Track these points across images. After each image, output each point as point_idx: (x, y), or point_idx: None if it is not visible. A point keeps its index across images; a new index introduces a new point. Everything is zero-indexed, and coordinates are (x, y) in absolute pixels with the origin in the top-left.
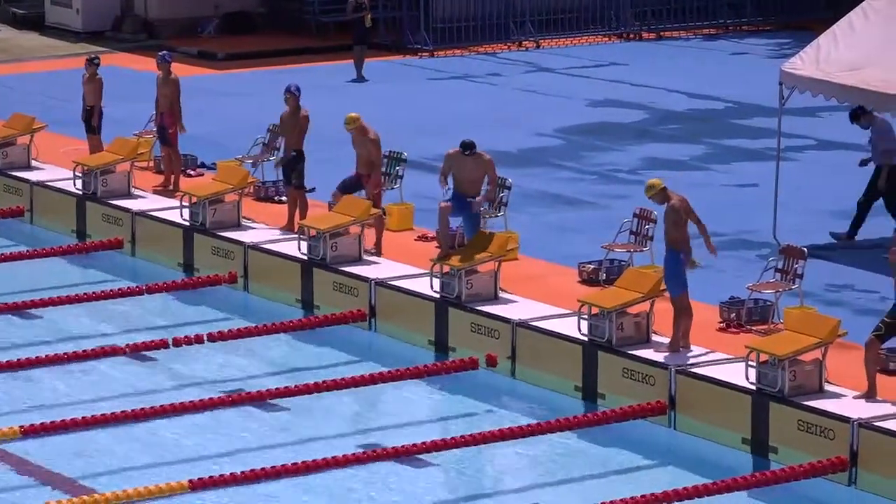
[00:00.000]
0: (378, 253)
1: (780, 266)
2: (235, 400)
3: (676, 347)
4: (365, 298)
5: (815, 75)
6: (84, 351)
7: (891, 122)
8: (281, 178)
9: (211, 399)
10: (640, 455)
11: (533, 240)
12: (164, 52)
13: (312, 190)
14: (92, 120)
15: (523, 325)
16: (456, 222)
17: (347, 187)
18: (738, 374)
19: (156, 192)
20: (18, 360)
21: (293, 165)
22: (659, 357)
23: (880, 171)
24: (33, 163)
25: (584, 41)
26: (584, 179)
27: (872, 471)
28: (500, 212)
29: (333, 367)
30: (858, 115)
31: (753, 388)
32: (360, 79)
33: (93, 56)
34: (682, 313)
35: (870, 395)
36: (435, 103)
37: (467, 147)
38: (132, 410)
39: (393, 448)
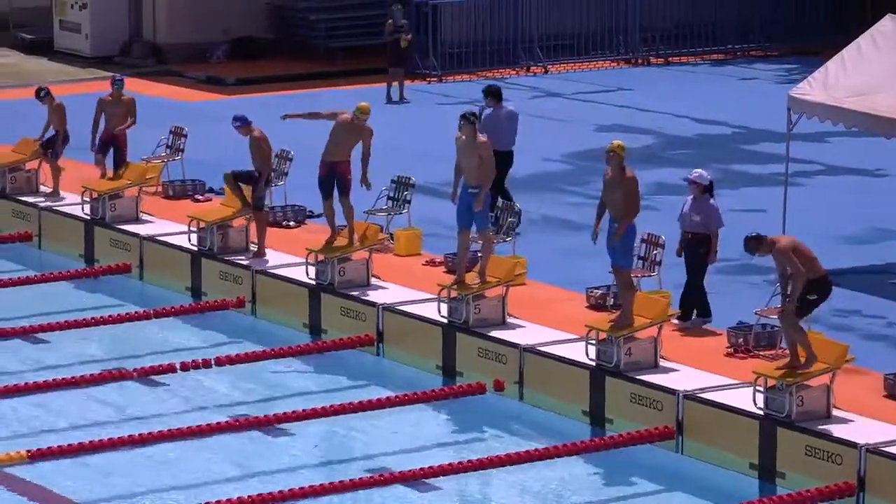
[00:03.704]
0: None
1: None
2: (243, 424)
3: (631, 320)
4: (373, 323)
5: (824, 101)
6: (92, 375)
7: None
8: (290, 203)
9: (219, 423)
10: (647, 480)
11: (541, 265)
12: (120, 77)
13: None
14: (56, 146)
15: (531, 350)
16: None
17: (329, 190)
18: (746, 400)
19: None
20: (26, 384)
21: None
22: (667, 382)
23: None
24: (41, 188)
25: (592, 66)
26: (591, 204)
27: (880, 496)
28: (507, 236)
29: (341, 391)
30: (491, 93)
31: (761, 413)
32: (397, 100)
33: (39, 89)
34: (630, 287)
35: (809, 360)
36: (443, 128)
37: (467, 115)
38: (140, 435)
39: (400, 472)
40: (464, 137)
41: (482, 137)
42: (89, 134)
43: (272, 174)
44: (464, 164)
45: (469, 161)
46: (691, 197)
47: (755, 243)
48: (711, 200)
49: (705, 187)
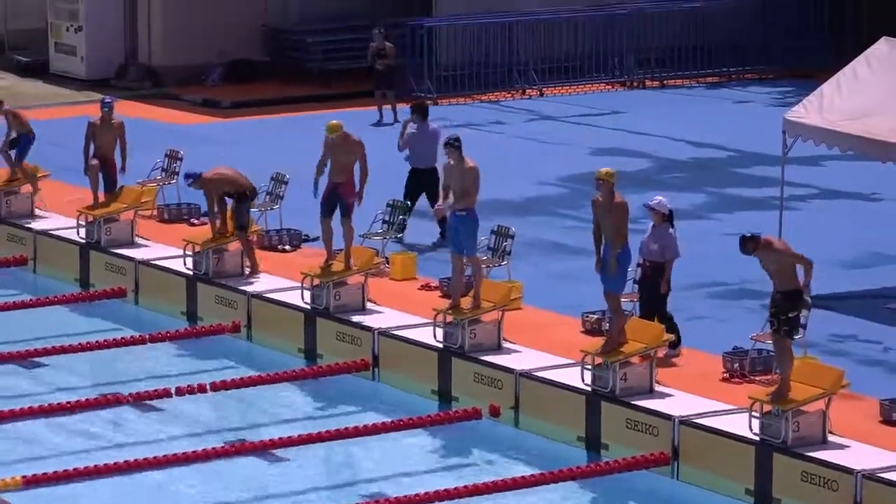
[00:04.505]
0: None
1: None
2: (239, 449)
3: (623, 340)
4: (368, 348)
5: (819, 124)
6: (87, 400)
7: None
8: (285, 227)
9: (214, 448)
10: None
11: (536, 289)
12: (109, 99)
13: (315, 239)
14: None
15: (526, 375)
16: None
17: (330, 209)
18: (742, 425)
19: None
20: (21, 409)
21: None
22: (662, 407)
23: (416, 171)
24: (37, 211)
25: (587, 89)
26: (586, 228)
27: None
28: (503, 261)
29: (336, 416)
30: (418, 110)
31: (757, 438)
32: (390, 122)
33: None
34: (620, 311)
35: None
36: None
37: (449, 139)
38: (135, 460)
39: (396, 498)
40: (452, 163)
41: (470, 162)
42: (86, 157)
43: (254, 191)
44: (453, 188)
45: (458, 184)
46: (651, 224)
47: (752, 243)
48: (671, 230)
49: (664, 216)
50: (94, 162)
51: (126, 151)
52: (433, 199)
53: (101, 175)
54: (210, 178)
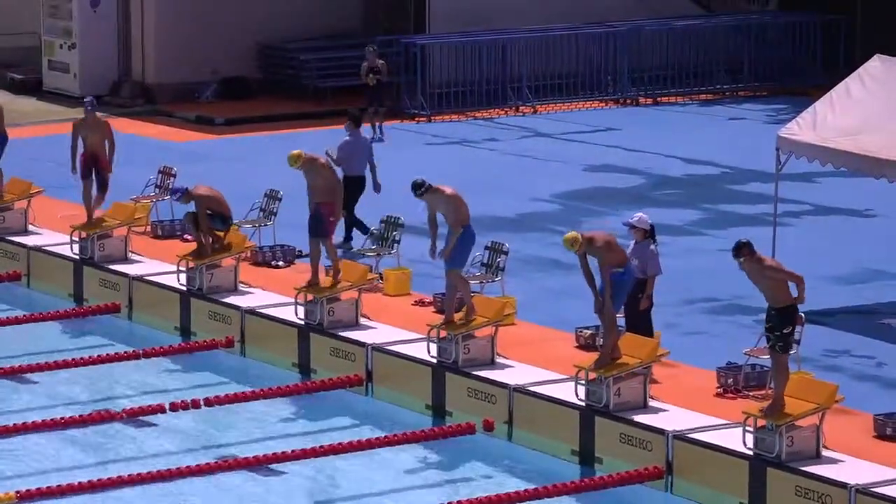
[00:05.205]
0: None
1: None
2: (232, 465)
3: (617, 355)
4: (362, 363)
5: (813, 141)
6: (80, 416)
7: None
8: (279, 243)
9: (208, 464)
10: None
11: (530, 305)
12: (90, 98)
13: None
14: None
15: (520, 389)
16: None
17: (315, 230)
18: (736, 440)
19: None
20: (15, 424)
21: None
22: (656, 422)
23: (347, 178)
24: (30, 227)
25: (581, 106)
26: None
27: None
28: (497, 276)
29: (330, 431)
30: (352, 118)
31: (751, 453)
32: (380, 137)
33: None
34: (615, 327)
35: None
36: (432, 168)
37: (415, 187)
38: (129, 475)
39: None
40: (430, 198)
41: (447, 190)
42: (79, 177)
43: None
44: (444, 214)
45: (445, 210)
46: (633, 241)
47: (746, 248)
48: (652, 246)
49: (646, 232)
50: (85, 180)
51: (114, 148)
52: (353, 207)
53: (93, 175)
54: (200, 194)
